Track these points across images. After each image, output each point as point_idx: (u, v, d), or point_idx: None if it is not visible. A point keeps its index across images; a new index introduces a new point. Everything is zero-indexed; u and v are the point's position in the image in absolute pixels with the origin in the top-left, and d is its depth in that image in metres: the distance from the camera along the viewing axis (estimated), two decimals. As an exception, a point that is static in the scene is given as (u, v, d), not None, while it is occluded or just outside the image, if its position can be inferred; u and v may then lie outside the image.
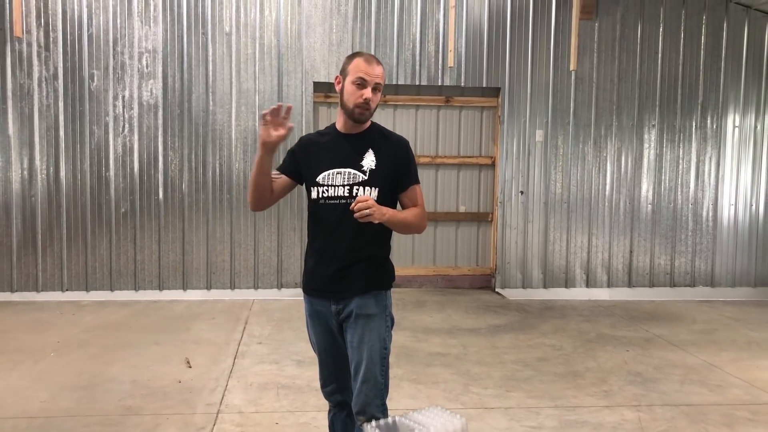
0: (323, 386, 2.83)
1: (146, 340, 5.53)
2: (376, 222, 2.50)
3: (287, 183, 2.80)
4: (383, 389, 2.65)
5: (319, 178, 2.67)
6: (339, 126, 2.75)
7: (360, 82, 2.60)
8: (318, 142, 2.78)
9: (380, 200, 2.61)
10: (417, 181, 2.76)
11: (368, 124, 2.74)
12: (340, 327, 2.69)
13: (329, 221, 2.64)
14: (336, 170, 2.66)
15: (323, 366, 2.79)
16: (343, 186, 2.63)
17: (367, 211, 2.43)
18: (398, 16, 7.40)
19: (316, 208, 2.69)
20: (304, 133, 7.41)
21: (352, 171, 2.65)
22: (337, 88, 2.70)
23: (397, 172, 2.69)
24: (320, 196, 2.66)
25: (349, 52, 7.24)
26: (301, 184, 2.82)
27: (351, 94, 2.62)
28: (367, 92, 2.60)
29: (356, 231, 2.59)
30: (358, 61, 2.63)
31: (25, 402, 4.15)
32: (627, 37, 7.72)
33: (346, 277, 2.64)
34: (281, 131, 2.57)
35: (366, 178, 2.64)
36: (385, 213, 2.52)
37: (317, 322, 2.74)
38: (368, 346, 2.61)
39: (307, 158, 2.74)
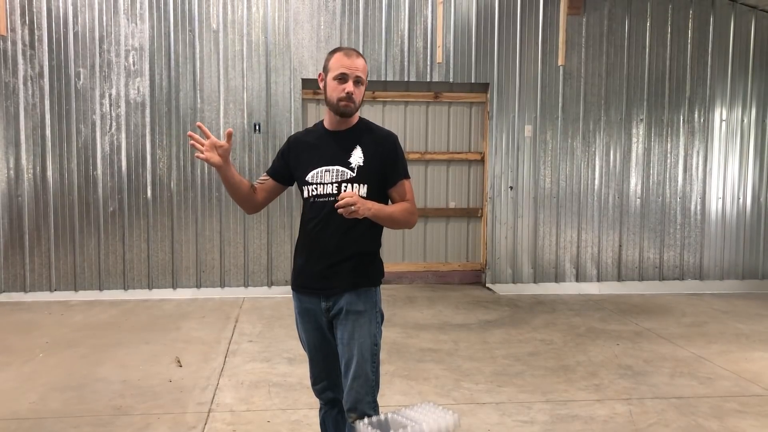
0: (314, 384, 2.83)
1: (136, 340, 5.50)
2: (362, 217, 2.50)
3: (275, 186, 2.83)
4: (374, 386, 2.65)
5: (309, 177, 2.68)
6: (326, 123, 2.76)
7: (341, 77, 2.61)
8: (306, 141, 2.78)
9: (369, 196, 2.62)
10: (406, 176, 2.75)
11: (356, 119, 2.74)
12: (329, 324, 2.69)
13: (318, 219, 2.65)
14: (324, 168, 2.66)
15: (313, 364, 2.79)
16: (332, 183, 2.63)
17: (353, 207, 2.44)
18: (386, 12, 7.38)
19: (307, 206, 2.70)
20: (292, 131, 7.45)
21: (341, 168, 2.65)
22: (321, 85, 2.72)
23: (386, 168, 2.69)
24: (310, 194, 2.67)
25: (338, 49, 7.25)
26: (290, 185, 2.84)
27: (333, 90, 2.64)
28: (349, 86, 2.60)
29: (345, 228, 2.60)
30: (337, 56, 2.64)
31: (14, 403, 4.12)
32: (614, 32, 7.75)
33: (336, 274, 2.63)
34: (220, 150, 2.63)
35: (354, 175, 2.64)
36: (371, 207, 2.53)
37: (307, 320, 2.74)
38: (358, 343, 2.61)
39: (297, 158, 2.75)
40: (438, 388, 4.47)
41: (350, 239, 2.63)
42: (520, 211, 7.76)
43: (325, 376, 2.78)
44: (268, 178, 2.82)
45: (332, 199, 2.60)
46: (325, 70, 2.69)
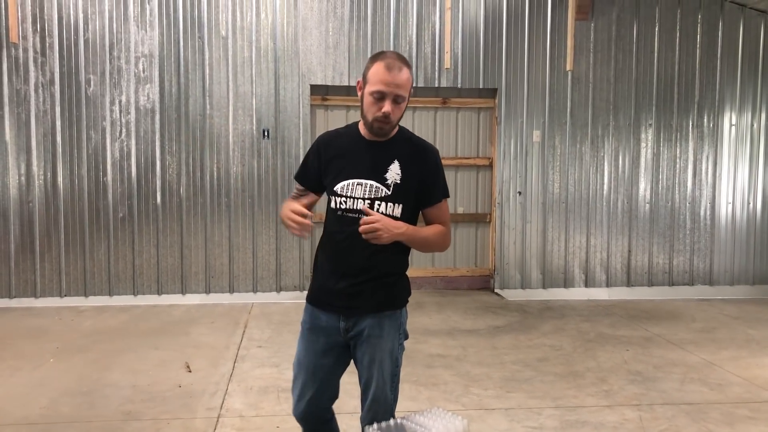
0: (296, 403, 2.60)
1: (145, 345, 5.52)
2: (386, 242, 2.35)
3: (314, 197, 2.62)
4: (392, 404, 2.57)
5: (338, 188, 2.46)
6: (362, 130, 2.50)
7: (378, 95, 2.34)
8: (338, 145, 2.53)
9: (404, 217, 2.45)
10: (445, 196, 2.56)
11: (395, 129, 2.50)
12: (346, 345, 2.55)
13: (345, 234, 2.44)
14: (357, 181, 2.44)
15: (303, 385, 2.57)
16: (364, 199, 2.42)
17: (372, 235, 2.30)
18: (394, 18, 7.40)
19: (333, 218, 2.50)
20: (301, 137, 7.46)
21: (375, 184, 2.43)
22: (358, 93, 2.45)
23: (425, 186, 2.49)
24: (338, 206, 2.46)
25: (346, 55, 7.28)
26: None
27: (369, 106, 2.38)
28: (387, 107, 2.34)
29: (373, 248, 2.39)
30: (378, 68, 2.34)
31: (24, 408, 4.14)
32: (623, 36, 7.74)
33: (359, 294, 2.47)
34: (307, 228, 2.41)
35: (389, 193, 2.43)
36: (403, 232, 2.36)
37: (314, 339, 2.55)
38: (379, 366, 2.48)
39: (326, 163, 2.52)
40: (447, 394, 4.46)
41: (379, 260, 2.45)
42: (528, 216, 7.75)
43: (313, 403, 2.56)
44: (306, 191, 2.60)
45: (363, 216, 2.39)
46: (364, 78, 2.40)
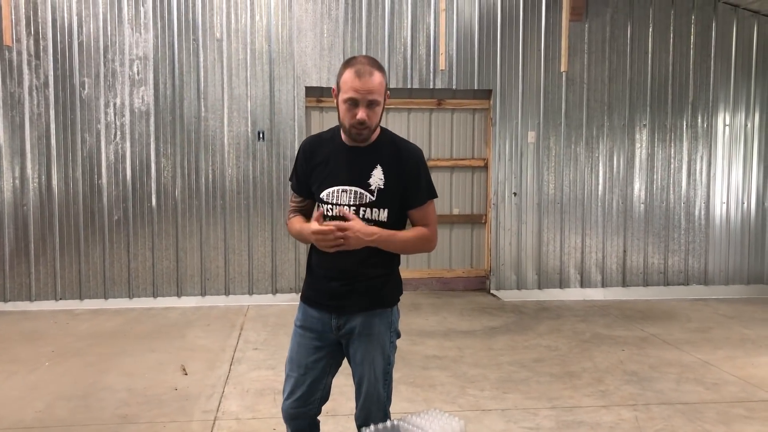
0: (287, 399, 2.62)
1: (141, 348, 5.51)
2: (355, 248, 2.38)
3: (313, 203, 2.64)
4: (386, 401, 2.60)
5: (324, 196, 2.50)
6: (344, 136, 2.51)
7: (352, 102, 2.36)
8: (321, 152, 2.54)
9: (391, 221, 2.47)
10: (430, 197, 2.55)
11: (377, 133, 2.52)
12: (338, 342, 2.59)
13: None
14: (341, 188, 2.47)
15: (295, 382, 2.60)
16: (350, 206, 2.45)
17: (338, 242, 2.33)
18: (389, 20, 7.41)
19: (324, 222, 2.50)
20: (296, 138, 7.45)
21: (359, 190, 2.46)
22: (335, 101, 2.47)
23: (407, 189, 2.50)
24: (326, 213, 2.49)
25: (341, 57, 7.27)
26: None
27: (344, 113, 2.40)
28: (361, 113, 2.35)
29: (364, 251, 2.44)
30: (348, 76, 2.36)
31: (20, 412, 4.13)
32: (617, 37, 7.76)
33: (350, 293, 2.50)
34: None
35: (374, 198, 2.45)
36: (371, 240, 2.38)
37: (308, 336, 2.59)
38: (371, 364, 2.52)
39: (312, 170, 2.55)
40: (444, 395, 4.46)
41: (368, 262, 2.48)
42: (524, 217, 7.76)
43: (303, 400, 2.59)
44: (304, 200, 2.63)
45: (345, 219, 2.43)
46: (338, 86, 2.42)
